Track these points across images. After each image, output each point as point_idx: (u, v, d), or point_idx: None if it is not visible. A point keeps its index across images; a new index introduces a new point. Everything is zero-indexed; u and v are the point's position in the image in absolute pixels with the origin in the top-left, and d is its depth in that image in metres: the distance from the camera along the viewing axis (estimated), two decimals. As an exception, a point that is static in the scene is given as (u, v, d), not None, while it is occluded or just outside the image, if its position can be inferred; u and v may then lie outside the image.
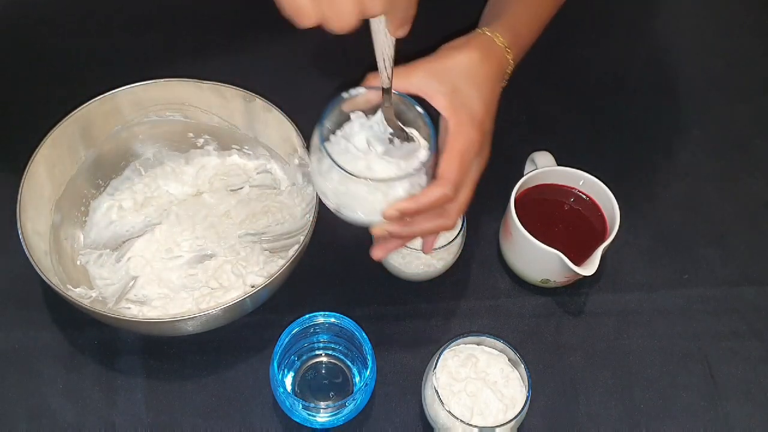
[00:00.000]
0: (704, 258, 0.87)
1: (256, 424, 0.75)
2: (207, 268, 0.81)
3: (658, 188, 0.92)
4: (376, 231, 0.69)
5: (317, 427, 0.74)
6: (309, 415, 0.73)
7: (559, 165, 0.83)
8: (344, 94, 0.67)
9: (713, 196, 0.92)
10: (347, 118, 0.68)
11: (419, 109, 0.67)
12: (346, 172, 0.63)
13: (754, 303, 0.84)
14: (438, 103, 0.67)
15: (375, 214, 0.66)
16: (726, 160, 0.95)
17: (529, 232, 0.77)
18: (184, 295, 0.79)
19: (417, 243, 0.81)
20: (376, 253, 0.73)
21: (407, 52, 0.70)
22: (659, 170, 0.93)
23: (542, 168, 0.82)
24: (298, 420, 0.73)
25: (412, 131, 0.68)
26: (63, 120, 0.79)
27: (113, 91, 0.81)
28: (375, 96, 0.67)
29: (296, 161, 0.83)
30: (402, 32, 0.59)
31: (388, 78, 0.64)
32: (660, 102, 0.99)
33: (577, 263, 0.76)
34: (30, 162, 0.76)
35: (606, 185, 0.81)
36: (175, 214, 0.84)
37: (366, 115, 0.68)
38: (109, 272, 0.81)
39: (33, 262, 0.71)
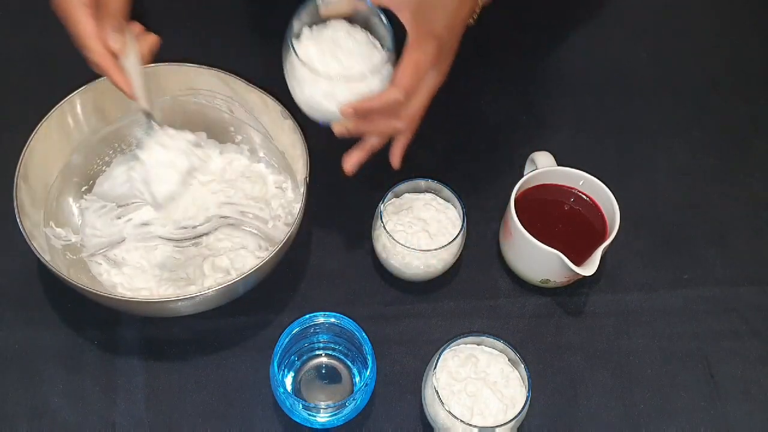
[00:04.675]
0: (704, 258, 0.87)
1: (256, 424, 0.75)
2: (190, 255, 0.82)
3: (658, 188, 0.92)
4: (336, 128, 0.72)
5: (317, 427, 0.74)
6: (309, 415, 0.73)
7: (559, 165, 0.83)
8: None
9: (713, 196, 0.92)
10: (321, 21, 0.73)
11: (382, 16, 0.71)
12: (308, 68, 0.69)
13: (754, 303, 0.84)
14: (403, 16, 0.71)
15: (335, 111, 0.70)
16: (726, 160, 0.95)
17: (529, 232, 0.77)
18: (156, 272, 0.81)
19: (417, 243, 0.81)
20: (347, 164, 0.75)
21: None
22: (659, 170, 0.93)
23: (542, 168, 0.82)
24: (298, 420, 0.73)
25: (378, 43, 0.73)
26: (101, 77, 0.80)
27: (159, 64, 0.82)
28: (350, 2, 0.72)
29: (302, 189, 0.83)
30: None
31: None
32: (660, 102, 0.99)
33: (577, 263, 0.76)
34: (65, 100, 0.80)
35: (606, 185, 0.81)
36: (191, 196, 0.85)
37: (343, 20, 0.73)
38: (104, 225, 0.83)
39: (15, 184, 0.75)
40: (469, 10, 0.76)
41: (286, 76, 0.73)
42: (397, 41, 0.71)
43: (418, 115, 0.73)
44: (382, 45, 0.72)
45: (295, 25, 0.71)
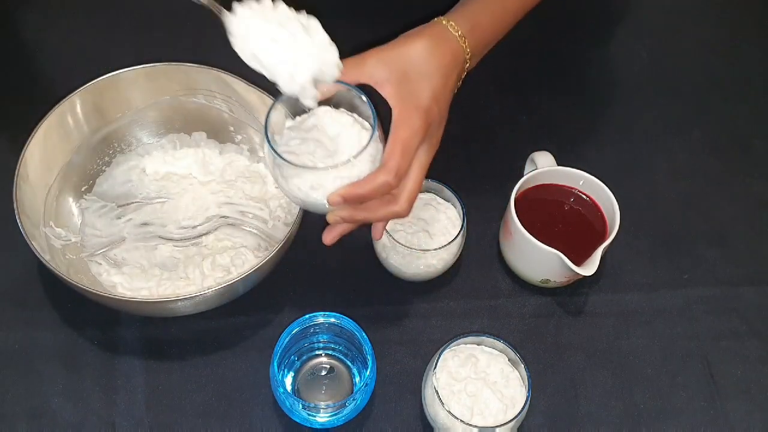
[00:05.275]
0: (704, 258, 0.87)
1: (256, 424, 0.75)
2: (190, 255, 0.82)
3: (658, 188, 0.92)
4: (330, 218, 0.70)
5: (317, 427, 0.74)
6: (309, 415, 0.73)
7: (559, 165, 0.83)
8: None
9: (713, 196, 0.92)
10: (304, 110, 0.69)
11: (363, 97, 0.68)
12: (290, 163, 0.65)
13: (754, 303, 0.84)
14: (386, 91, 0.68)
15: (322, 199, 0.67)
16: (726, 160, 0.95)
17: (529, 232, 0.77)
18: (156, 272, 0.81)
19: (417, 243, 0.81)
20: (326, 238, 0.73)
21: (369, 41, 0.71)
22: (659, 170, 0.93)
23: (542, 168, 0.82)
24: (298, 420, 0.73)
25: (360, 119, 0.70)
26: (100, 77, 0.82)
27: (159, 63, 0.83)
28: (329, 88, 0.68)
29: None
30: None
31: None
32: (660, 102, 0.99)
33: (577, 263, 0.76)
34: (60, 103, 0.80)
35: (606, 185, 0.81)
36: (191, 196, 0.85)
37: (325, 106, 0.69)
38: (104, 225, 0.83)
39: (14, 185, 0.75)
40: (457, 77, 0.73)
41: (269, 171, 0.69)
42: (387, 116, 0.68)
43: (413, 195, 0.69)
44: (372, 125, 0.68)
45: (275, 115, 0.68)
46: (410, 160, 0.68)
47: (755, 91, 1.01)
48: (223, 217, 0.85)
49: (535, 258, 0.79)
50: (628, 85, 1.01)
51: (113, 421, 0.74)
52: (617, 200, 0.80)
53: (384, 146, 0.67)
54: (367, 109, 0.68)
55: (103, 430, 0.74)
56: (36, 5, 1.02)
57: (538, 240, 0.77)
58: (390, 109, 0.68)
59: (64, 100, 0.80)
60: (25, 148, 0.77)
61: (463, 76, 0.75)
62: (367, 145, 0.66)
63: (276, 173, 0.68)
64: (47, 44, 0.99)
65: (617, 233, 0.78)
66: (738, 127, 0.98)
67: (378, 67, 0.68)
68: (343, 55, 0.68)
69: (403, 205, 0.69)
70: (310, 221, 0.83)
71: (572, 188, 0.83)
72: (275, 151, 0.66)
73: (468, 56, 0.73)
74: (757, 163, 0.95)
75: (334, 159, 0.67)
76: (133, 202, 0.85)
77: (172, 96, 0.86)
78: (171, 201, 0.85)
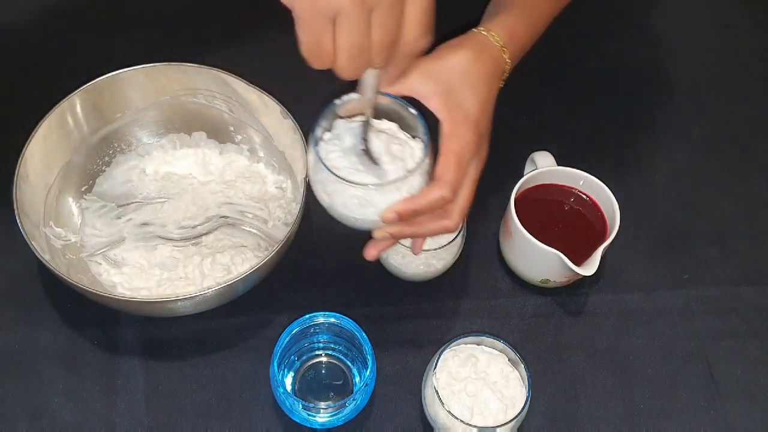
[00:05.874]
0: (704, 258, 0.87)
1: (256, 424, 0.75)
2: (190, 255, 0.82)
3: (658, 188, 0.92)
4: (378, 234, 0.68)
5: (317, 427, 0.74)
6: (309, 415, 0.73)
7: (559, 165, 0.83)
8: (337, 101, 0.66)
9: (713, 196, 0.92)
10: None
11: (413, 110, 0.67)
12: (342, 179, 0.63)
13: (754, 303, 0.84)
14: (432, 104, 0.67)
15: (374, 217, 0.65)
16: (726, 160, 0.95)
17: (529, 232, 0.77)
18: (156, 272, 0.81)
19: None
20: (370, 253, 0.72)
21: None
22: (659, 170, 0.93)
23: (542, 168, 0.82)
24: (298, 420, 0.73)
25: (407, 135, 0.68)
26: (100, 77, 0.82)
27: (159, 64, 0.83)
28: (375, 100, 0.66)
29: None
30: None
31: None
32: (660, 102, 0.99)
33: (577, 263, 0.76)
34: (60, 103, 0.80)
35: (606, 185, 0.81)
36: (191, 196, 0.86)
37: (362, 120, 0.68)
38: (103, 225, 0.83)
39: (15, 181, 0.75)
40: (498, 86, 0.72)
41: (312, 185, 0.67)
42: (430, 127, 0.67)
43: (465, 209, 0.68)
44: (413, 136, 0.67)
45: (318, 131, 0.66)
46: (464, 174, 0.67)
47: (755, 91, 1.01)
48: (223, 217, 0.85)
49: (535, 258, 0.79)
50: (628, 85, 1.01)
51: (113, 421, 0.74)
52: (617, 200, 0.80)
53: (432, 160, 0.66)
54: (412, 120, 0.67)
55: (103, 430, 0.74)
56: (36, 5, 1.02)
57: (538, 240, 0.77)
58: (434, 121, 0.67)
59: (64, 100, 0.80)
60: (25, 148, 0.77)
61: (501, 86, 0.74)
62: (423, 159, 0.64)
63: (318, 189, 0.66)
64: (47, 44, 0.98)
65: (617, 233, 0.78)
66: (738, 127, 0.98)
67: (422, 81, 0.67)
68: None
69: (455, 219, 0.68)
70: (310, 221, 0.83)
71: (572, 188, 0.83)
72: (328, 168, 0.63)
73: (508, 66, 0.73)
74: (757, 163, 0.95)
75: (379, 173, 0.65)
76: (133, 202, 0.85)
77: (172, 96, 0.86)
78: (171, 201, 0.85)
